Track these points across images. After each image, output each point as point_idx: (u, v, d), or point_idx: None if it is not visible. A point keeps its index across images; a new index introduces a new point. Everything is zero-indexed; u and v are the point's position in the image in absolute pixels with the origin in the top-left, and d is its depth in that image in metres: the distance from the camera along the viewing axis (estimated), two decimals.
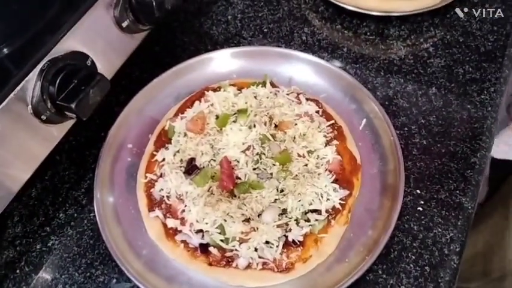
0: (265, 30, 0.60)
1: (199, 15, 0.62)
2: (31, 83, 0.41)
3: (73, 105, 0.41)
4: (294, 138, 0.46)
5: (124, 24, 0.49)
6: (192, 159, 0.44)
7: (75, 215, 0.48)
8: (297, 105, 0.49)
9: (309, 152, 0.45)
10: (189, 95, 0.53)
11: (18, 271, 0.45)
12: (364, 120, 0.49)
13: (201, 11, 0.62)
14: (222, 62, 0.54)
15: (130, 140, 0.50)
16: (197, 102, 0.50)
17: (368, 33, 0.58)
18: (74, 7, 0.45)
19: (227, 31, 0.60)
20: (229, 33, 0.60)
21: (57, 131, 0.46)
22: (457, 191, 0.45)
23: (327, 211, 0.42)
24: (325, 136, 0.47)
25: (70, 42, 0.44)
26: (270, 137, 0.46)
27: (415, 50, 0.56)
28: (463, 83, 0.53)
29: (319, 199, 0.42)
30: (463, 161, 0.47)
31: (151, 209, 0.44)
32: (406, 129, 0.50)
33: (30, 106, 0.41)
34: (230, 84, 0.51)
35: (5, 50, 0.42)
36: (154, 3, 0.48)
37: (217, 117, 0.48)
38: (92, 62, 0.46)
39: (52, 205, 0.48)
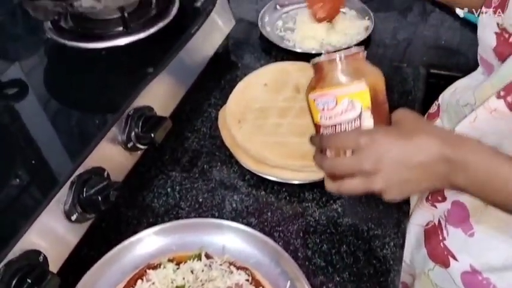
0: (201, 200, 0.69)
1: (142, 189, 0.70)
2: None
3: None
4: None
5: (73, 218, 0.56)
6: None
7: None
8: (229, 275, 0.56)
9: None
10: (135, 270, 0.59)
11: None
12: (288, 282, 0.57)
13: (143, 185, 0.71)
14: (162, 236, 0.62)
15: None
16: (140, 281, 0.56)
17: (287, 198, 0.68)
18: (29, 211, 0.52)
19: (167, 203, 0.69)
20: (169, 205, 0.68)
21: None
22: None
23: None
24: None
25: (24, 243, 0.50)
26: None
27: (326, 211, 0.66)
28: (368, 239, 0.63)
29: None
30: None
31: None
32: (324, 287, 0.58)
33: None
34: (169, 260, 0.58)
35: None
36: (100, 199, 0.56)
37: None
38: (44, 257, 0.52)
39: None
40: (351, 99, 0.50)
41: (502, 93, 0.48)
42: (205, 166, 0.74)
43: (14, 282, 0.48)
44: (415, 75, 0.88)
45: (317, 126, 0.54)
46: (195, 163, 0.74)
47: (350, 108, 0.50)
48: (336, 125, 0.51)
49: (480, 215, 0.57)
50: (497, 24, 0.54)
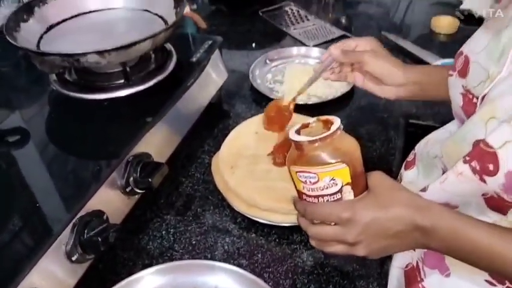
0: (194, 242, 0.72)
1: (138, 232, 0.74)
2: None
3: None
4: None
5: (73, 258, 0.59)
6: None
7: None
8: None
9: None
10: None
11: None
12: None
13: (139, 228, 0.74)
14: (157, 276, 0.64)
15: None
16: None
17: (277, 240, 0.72)
18: (33, 252, 0.55)
19: (161, 245, 0.72)
20: (163, 247, 0.71)
21: None
22: None
23: None
24: None
25: (27, 282, 0.53)
26: None
27: (313, 252, 0.70)
28: (353, 279, 0.66)
29: None
30: None
31: None
32: None
33: None
34: None
35: None
36: (99, 240, 0.60)
37: None
38: None
39: None
40: (332, 177, 0.53)
41: (467, 158, 0.52)
42: (198, 210, 0.78)
43: None
44: (395, 125, 0.94)
45: (300, 193, 0.57)
46: (188, 207, 0.78)
47: (332, 185, 0.54)
48: (318, 197, 0.55)
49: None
50: (462, 86, 0.60)
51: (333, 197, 0.55)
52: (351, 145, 0.55)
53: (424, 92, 0.74)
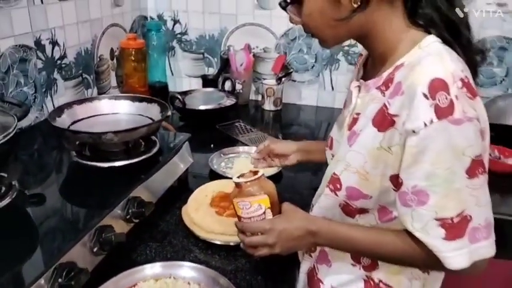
0: (169, 256, 1.06)
1: (130, 251, 1.07)
2: (46, 280, 0.80)
3: (73, 282, 0.80)
4: None
5: (94, 250, 0.93)
6: None
7: None
8: (188, 286, 0.92)
9: None
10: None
11: None
12: None
13: (131, 250, 1.07)
14: (148, 270, 0.97)
15: None
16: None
17: (225, 254, 1.07)
18: (71, 242, 0.89)
19: (146, 258, 1.05)
20: (147, 260, 1.04)
21: None
22: None
23: None
24: None
25: (68, 257, 0.86)
26: None
27: (250, 261, 1.05)
28: (275, 273, 1.01)
29: None
30: None
31: None
32: None
33: None
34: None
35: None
36: (113, 238, 0.94)
37: None
38: (78, 267, 0.87)
39: None
40: (259, 204, 0.87)
41: (328, 184, 0.93)
42: (172, 240, 1.12)
43: (64, 273, 0.82)
44: (308, 190, 1.36)
45: (239, 217, 0.94)
46: (164, 237, 1.13)
47: (259, 209, 0.87)
48: (250, 217, 0.91)
49: (333, 253, 0.98)
50: (331, 154, 1.04)
51: (260, 217, 0.92)
52: (270, 185, 0.95)
53: (312, 155, 1.20)
